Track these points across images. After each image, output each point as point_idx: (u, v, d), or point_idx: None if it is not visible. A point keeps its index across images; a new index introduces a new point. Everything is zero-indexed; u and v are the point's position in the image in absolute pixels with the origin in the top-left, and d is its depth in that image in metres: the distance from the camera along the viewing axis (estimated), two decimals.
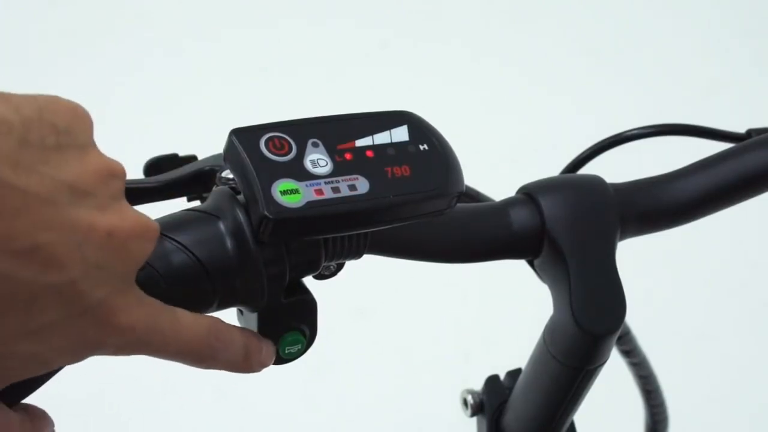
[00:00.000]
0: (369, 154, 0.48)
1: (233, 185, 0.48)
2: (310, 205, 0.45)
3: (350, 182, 0.47)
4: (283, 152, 0.46)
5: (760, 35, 2.54)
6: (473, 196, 0.66)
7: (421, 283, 1.87)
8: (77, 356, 0.42)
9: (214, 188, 0.49)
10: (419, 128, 0.50)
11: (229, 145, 0.46)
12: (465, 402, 0.74)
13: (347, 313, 1.88)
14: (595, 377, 0.63)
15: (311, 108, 0.47)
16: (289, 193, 0.45)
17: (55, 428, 0.44)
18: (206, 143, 0.55)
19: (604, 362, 0.62)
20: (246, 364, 0.48)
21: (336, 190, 0.46)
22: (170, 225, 0.46)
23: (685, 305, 1.98)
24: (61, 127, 0.40)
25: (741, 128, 0.72)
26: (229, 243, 0.46)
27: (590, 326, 0.59)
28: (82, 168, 0.40)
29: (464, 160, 0.51)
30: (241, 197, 0.47)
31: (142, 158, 0.59)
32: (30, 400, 0.42)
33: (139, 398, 1.79)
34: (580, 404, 0.66)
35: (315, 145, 0.47)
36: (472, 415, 0.74)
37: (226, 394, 1.78)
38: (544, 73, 2.40)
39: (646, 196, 0.63)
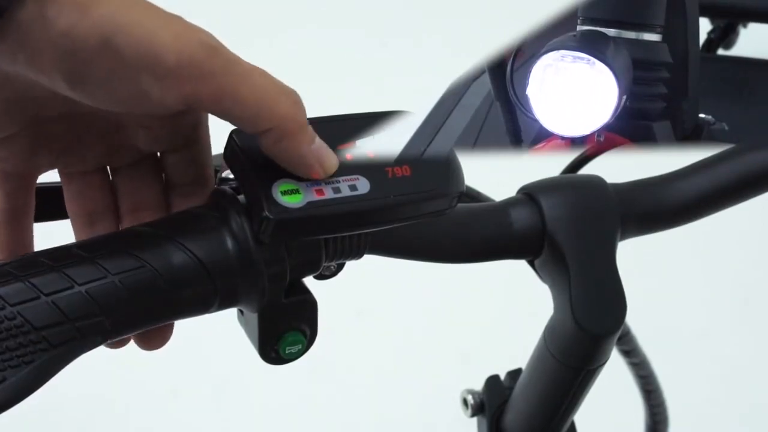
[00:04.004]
0: (369, 154, 0.48)
1: (234, 185, 0.48)
2: (310, 205, 0.45)
3: (351, 182, 0.47)
4: None
5: None
6: (473, 196, 0.66)
7: (420, 283, 1.87)
8: None
9: (215, 188, 0.49)
10: None
11: (230, 146, 0.46)
12: (465, 402, 0.74)
13: (347, 313, 1.88)
14: (596, 377, 0.63)
15: (311, 108, 0.47)
16: (289, 194, 0.45)
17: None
18: None
19: (605, 362, 0.62)
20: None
21: (336, 190, 0.46)
22: (171, 225, 0.46)
23: (685, 305, 1.98)
24: None
25: None
26: (229, 243, 0.46)
27: (590, 326, 0.59)
28: None
29: (464, 160, 0.51)
30: (241, 197, 0.47)
31: None
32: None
33: (139, 398, 1.79)
34: (580, 404, 0.66)
35: None
36: (473, 415, 0.74)
37: (226, 393, 1.78)
38: None
39: (647, 197, 0.63)
